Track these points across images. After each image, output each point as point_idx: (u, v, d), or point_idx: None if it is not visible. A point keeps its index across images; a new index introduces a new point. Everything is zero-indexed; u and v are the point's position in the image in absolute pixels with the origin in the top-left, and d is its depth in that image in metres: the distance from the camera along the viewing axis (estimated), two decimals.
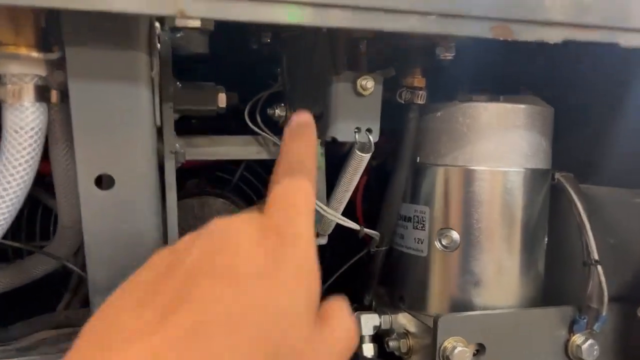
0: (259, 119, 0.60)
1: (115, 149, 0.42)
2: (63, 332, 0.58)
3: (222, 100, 0.51)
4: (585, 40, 0.45)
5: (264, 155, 0.62)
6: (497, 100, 0.58)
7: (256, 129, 0.59)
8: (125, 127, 0.41)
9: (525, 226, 0.57)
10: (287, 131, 0.40)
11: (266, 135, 0.59)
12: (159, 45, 0.46)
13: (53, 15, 0.39)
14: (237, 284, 0.29)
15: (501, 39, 0.43)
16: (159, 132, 0.49)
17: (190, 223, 0.75)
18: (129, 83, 0.40)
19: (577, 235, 0.59)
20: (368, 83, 0.48)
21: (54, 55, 0.39)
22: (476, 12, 0.42)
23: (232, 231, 0.32)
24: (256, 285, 0.29)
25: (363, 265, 0.68)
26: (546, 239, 0.61)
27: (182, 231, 0.73)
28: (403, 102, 0.56)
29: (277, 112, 0.57)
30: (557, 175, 0.61)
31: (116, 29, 0.39)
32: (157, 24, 0.42)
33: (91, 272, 0.45)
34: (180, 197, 0.75)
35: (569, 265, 0.61)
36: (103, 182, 0.43)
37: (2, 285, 0.60)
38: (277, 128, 0.62)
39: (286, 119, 0.58)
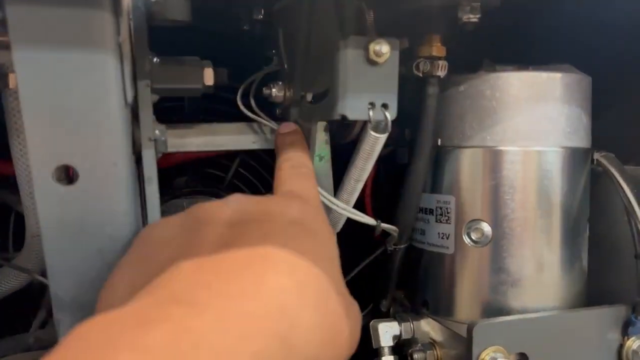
0: (253, 103, 0.53)
1: (77, 134, 0.34)
2: (33, 355, 0.50)
3: (208, 76, 0.43)
4: None
5: (260, 145, 0.54)
6: (526, 69, 0.50)
7: (251, 115, 0.52)
8: (87, 107, 0.33)
9: (566, 214, 0.49)
10: (277, 142, 0.48)
11: (262, 121, 0.51)
12: (129, 6, 0.38)
13: None
14: (279, 228, 0.31)
15: None
16: (134, 115, 0.41)
17: None
18: (89, 50, 0.32)
19: (624, 224, 0.51)
20: (383, 47, 0.40)
21: None
22: None
23: (258, 198, 0.35)
24: (293, 228, 0.32)
25: (378, 267, 0.60)
26: (588, 228, 0.53)
27: None
28: (421, 74, 0.48)
29: (274, 91, 0.49)
30: (597, 156, 0.53)
31: None
32: None
33: (54, 285, 0.37)
34: (168, 198, 0.68)
35: (615, 259, 0.54)
36: (64, 175, 0.35)
37: None
38: (273, 112, 0.54)
39: (285, 99, 0.50)
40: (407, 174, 0.51)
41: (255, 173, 0.75)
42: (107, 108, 0.34)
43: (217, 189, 0.72)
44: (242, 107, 0.52)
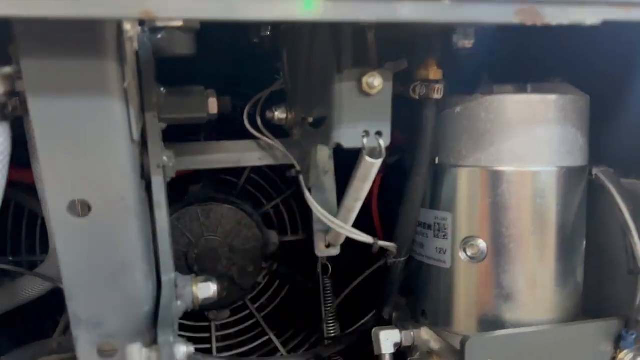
0: (259, 121, 0.55)
1: (88, 172, 0.37)
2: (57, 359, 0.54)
3: (212, 106, 0.46)
4: (627, 20, 0.38)
5: (267, 161, 0.57)
6: (524, 89, 0.51)
7: (257, 134, 0.54)
8: (97, 146, 0.36)
9: (560, 232, 0.51)
10: None
11: (267, 140, 0.54)
12: (136, 46, 0.41)
13: (4, 22, 0.34)
14: None
15: (529, 24, 0.36)
16: (144, 144, 0.44)
17: (195, 231, 0.71)
18: (97, 96, 0.35)
19: (621, 239, 0.52)
20: (375, 81, 0.42)
21: (8, 70, 0.34)
22: None
23: None
24: None
25: (381, 274, 0.62)
26: (584, 243, 0.54)
27: (188, 239, 0.70)
28: (417, 97, 0.49)
29: (277, 114, 0.52)
30: (595, 171, 0.54)
31: (78, 36, 0.34)
32: (128, 27, 0.37)
33: (72, 305, 0.40)
34: (183, 205, 0.72)
35: (612, 272, 0.55)
36: (77, 208, 0.38)
37: None
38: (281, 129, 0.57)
39: (287, 121, 0.52)
40: (406, 191, 0.53)
41: (266, 178, 0.78)
42: (116, 146, 0.37)
43: (230, 194, 0.75)
44: (248, 126, 0.54)
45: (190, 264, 0.70)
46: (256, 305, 0.79)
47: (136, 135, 0.39)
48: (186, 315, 0.51)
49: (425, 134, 0.50)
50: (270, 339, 0.79)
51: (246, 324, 0.79)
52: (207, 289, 0.48)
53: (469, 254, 0.51)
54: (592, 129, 0.53)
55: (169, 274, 0.46)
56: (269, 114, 0.52)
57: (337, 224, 0.49)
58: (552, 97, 0.49)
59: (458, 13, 0.35)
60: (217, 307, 0.74)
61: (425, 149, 0.51)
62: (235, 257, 0.72)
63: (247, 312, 0.79)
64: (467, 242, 0.51)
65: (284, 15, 0.31)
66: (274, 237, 0.75)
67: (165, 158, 0.46)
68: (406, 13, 0.34)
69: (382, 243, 0.52)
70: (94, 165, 0.37)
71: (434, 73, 0.49)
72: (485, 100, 0.49)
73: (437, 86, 0.49)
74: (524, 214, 0.50)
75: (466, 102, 0.50)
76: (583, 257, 0.54)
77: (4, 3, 0.28)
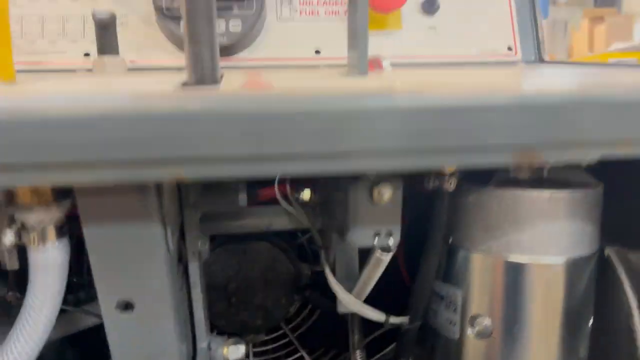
0: (289, 192, 0.60)
1: (133, 278, 0.43)
2: None
3: (242, 199, 0.51)
4: (626, 157, 0.40)
5: (295, 225, 0.62)
6: (540, 176, 0.54)
7: (285, 206, 0.59)
8: (140, 260, 0.43)
9: (566, 316, 0.54)
10: None
11: (293, 211, 0.59)
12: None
13: None
14: None
15: (526, 166, 0.39)
16: (182, 234, 0.51)
17: (235, 268, 0.77)
18: (139, 223, 0.41)
19: (625, 322, 0.55)
20: (385, 194, 0.46)
21: (68, 203, 0.41)
22: (492, 141, 0.38)
23: None
24: None
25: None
26: (590, 322, 0.57)
27: (228, 277, 0.77)
28: (430, 188, 0.53)
29: (302, 195, 0.56)
30: (608, 251, 0.56)
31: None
32: None
33: None
34: (223, 241, 0.78)
35: (615, 352, 0.57)
36: (124, 306, 0.45)
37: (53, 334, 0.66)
38: None
39: (312, 201, 0.57)
40: (420, 268, 0.57)
41: None
42: (154, 258, 0.43)
43: (267, 234, 0.81)
44: (280, 199, 0.59)
45: (229, 296, 0.77)
46: (290, 326, 0.87)
47: (172, 248, 0.45)
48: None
49: (439, 223, 0.54)
50: (302, 356, 0.86)
51: (280, 342, 0.87)
52: (237, 351, 0.55)
53: (475, 329, 0.55)
54: (610, 200, 0.55)
55: (203, 342, 0.53)
56: (295, 195, 0.57)
57: (351, 302, 0.54)
58: (562, 194, 0.51)
59: (459, 161, 0.38)
60: (253, 332, 0.82)
61: (438, 232, 0.55)
62: (269, 289, 0.79)
63: (282, 331, 0.87)
64: (474, 318, 0.55)
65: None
66: (306, 269, 0.81)
67: (199, 243, 0.52)
68: (423, 163, 0.37)
69: (393, 319, 0.57)
70: (136, 273, 0.43)
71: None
72: (498, 194, 0.52)
73: (450, 179, 0.52)
74: (531, 301, 0.53)
75: (479, 193, 0.53)
76: (588, 335, 0.57)
77: (65, 175, 0.34)
